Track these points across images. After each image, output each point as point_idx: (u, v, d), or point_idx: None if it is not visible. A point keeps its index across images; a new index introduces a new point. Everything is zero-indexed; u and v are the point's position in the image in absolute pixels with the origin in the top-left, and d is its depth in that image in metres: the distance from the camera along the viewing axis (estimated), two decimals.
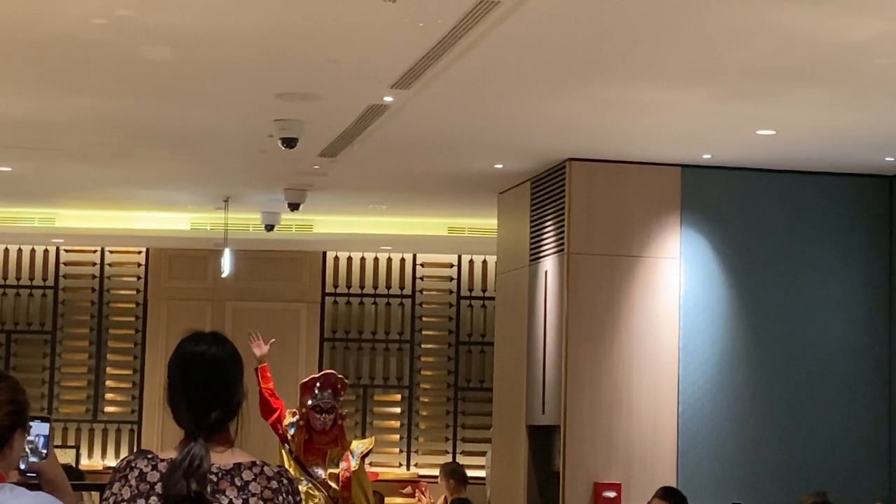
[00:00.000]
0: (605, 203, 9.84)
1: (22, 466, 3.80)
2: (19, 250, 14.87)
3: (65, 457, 12.97)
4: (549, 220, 10.20)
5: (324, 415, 8.87)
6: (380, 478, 14.39)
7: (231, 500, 3.61)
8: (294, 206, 11.67)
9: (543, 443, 10.31)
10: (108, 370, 14.91)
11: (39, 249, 14.87)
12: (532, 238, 10.54)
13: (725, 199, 9.97)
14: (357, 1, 6.21)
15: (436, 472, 12.75)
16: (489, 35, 6.64)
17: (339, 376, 9.30)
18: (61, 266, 14.95)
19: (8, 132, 9.38)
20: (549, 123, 8.86)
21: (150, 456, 3.73)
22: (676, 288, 9.81)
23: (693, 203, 9.91)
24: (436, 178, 11.12)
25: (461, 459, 14.24)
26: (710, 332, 9.83)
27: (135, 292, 14.99)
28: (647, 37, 6.83)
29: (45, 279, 14.92)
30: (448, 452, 14.76)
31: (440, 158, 10.22)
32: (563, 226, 9.88)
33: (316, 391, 8.92)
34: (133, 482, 3.65)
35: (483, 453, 14.03)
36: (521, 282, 10.71)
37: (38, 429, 3.92)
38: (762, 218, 9.98)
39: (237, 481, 3.66)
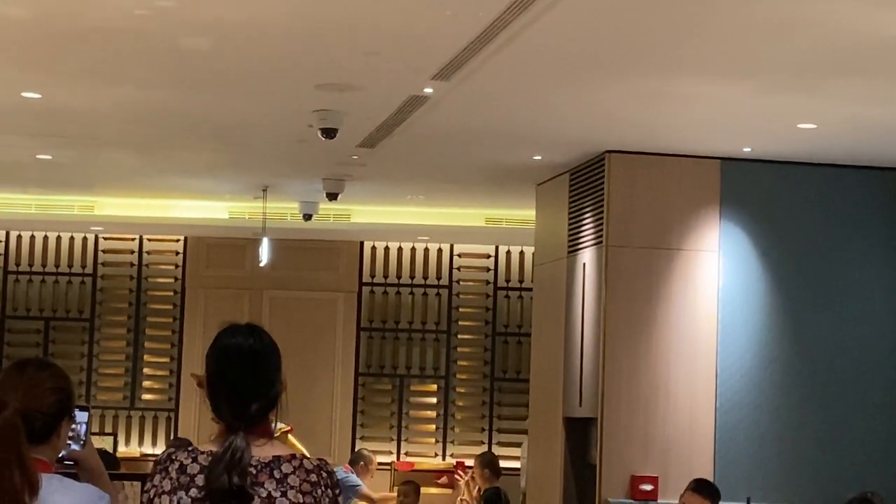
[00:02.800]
0: (643, 196, 9.80)
1: (60, 454, 3.82)
2: (58, 238, 14.95)
3: (102, 444, 13.03)
4: (588, 212, 10.18)
5: None
6: (415, 468, 14.44)
7: (270, 492, 3.63)
8: (332, 196, 11.69)
9: (580, 435, 10.29)
10: (146, 358, 14.98)
11: (78, 237, 14.94)
12: (570, 230, 10.52)
13: (765, 193, 9.92)
14: None
15: (471, 462, 12.78)
16: (531, 27, 6.62)
17: None
18: (100, 254, 15.02)
19: (49, 121, 9.43)
20: (588, 115, 8.83)
21: (190, 448, 3.75)
22: (715, 281, 9.78)
23: (732, 196, 9.86)
24: (474, 169, 11.11)
25: (496, 450, 14.24)
26: (748, 326, 9.79)
27: (172, 280, 15.05)
28: (688, 30, 6.80)
29: (83, 267, 14.99)
30: (483, 443, 14.77)
31: (479, 150, 10.21)
32: (601, 218, 9.86)
33: None
34: (174, 474, 3.67)
35: (518, 444, 14.04)
36: (559, 273, 10.69)
37: (79, 417, 3.94)
38: (802, 211, 9.93)
39: (276, 474, 3.67)
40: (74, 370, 14.77)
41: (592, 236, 10.05)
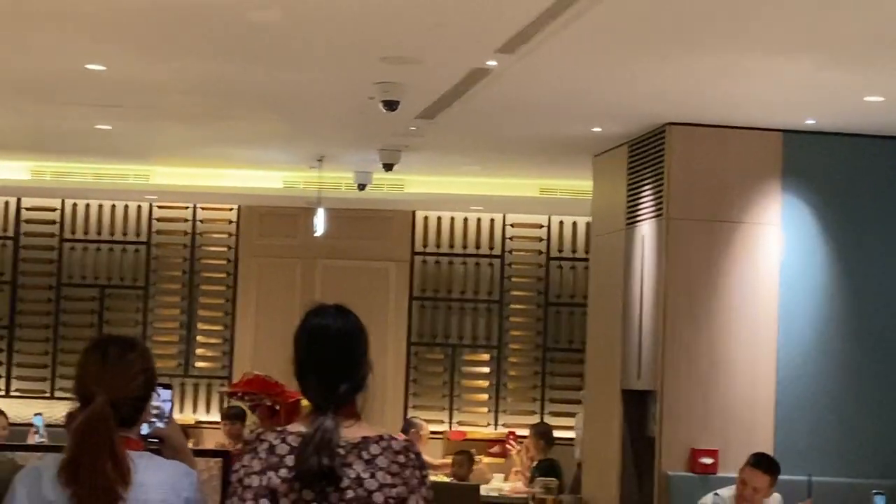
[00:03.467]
0: (704, 168, 9.75)
1: (144, 431, 3.82)
2: (112, 206, 15.00)
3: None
4: (647, 184, 10.14)
5: (254, 413, 8.86)
6: (468, 437, 14.46)
7: (358, 473, 3.64)
8: (388, 167, 11.68)
9: (638, 407, 10.28)
10: (200, 326, 15.03)
11: (133, 206, 14.99)
12: (629, 202, 10.48)
13: (828, 165, 9.84)
14: None
15: (522, 431, 12.79)
16: (598, 2, 6.58)
17: (227, 390, 9.31)
18: (154, 222, 15.07)
19: (111, 92, 9.46)
20: (650, 88, 8.79)
21: (278, 429, 3.77)
22: (776, 255, 9.73)
23: (794, 169, 9.80)
24: (530, 140, 11.08)
25: (548, 420, 14.25)
26: (809, 300, 9.74)
27: (226, 249, 15.09)
28: (754, 4, 6.74)
29: (138, 235, 15.05)
30: (536, 413, 14.76)
31: (538, 121, 10.18)
32: (661, 190, 9.82)
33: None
34: (263, 454, 3.68)
35: (570, 414, 14.04)
36: (617, 245, 10.66)
37: (163, 394, 3.95)
38: (865, 185, 9.85)
39: (364, 455, 3.68)
40: None
41: (652, 208, 10.01)
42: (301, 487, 3.60)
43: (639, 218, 10.26)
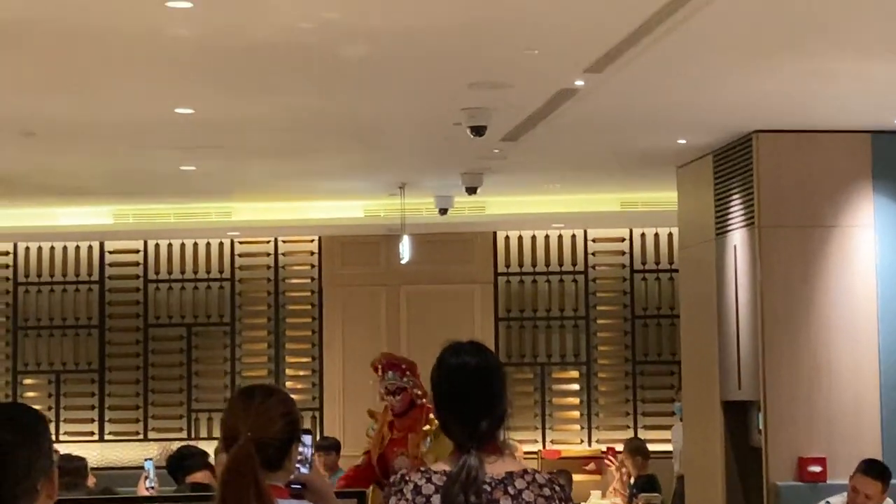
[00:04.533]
0: (793, 174, 9.69)
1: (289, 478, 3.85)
2: (195, 244, 15.12)
3: None
4: (736, 193, 10.08)
5: (390, 396, 8.80)
6: (562, 455, 14.43)
7: None
8: (472, 190, 11.69)
9: (739, 418, 10.21)
10: (287, 359, 15.11)
11: (215, 242, 15.10)
12: (717, 211, 10.42)
13: None
14: None
15: (620, 447, 12.72)
16: (691, 17, 6.56)
17: (399, 356, 9.26)
18: (236, 258, 15.17)
19: (197, 133, 9.53)
20: (736, 97, 8.74)
21: (422, 469, 3.79)
22: (871, 256, 9.64)
23: (884, 169, 9.71)
24: (613, 156, 11.05)
25: (643, 434, 14.19)
26: None
27: (309, 280, 15.15)
28: (841, 8, 6.69)
29: (221, 272, 15.15)
30: (629, 427, 14.71)
31: (622, 137, 10.16)
32: (751, 199, 9.76)
33: (379, 374, 8.89)
34: (409, 495, 3.70)
35: (664, 427, 13.97)
36: (707, 256, 10.60)
37: (305, 439, 3.98)
38: None
39: (510, 490, 3.69)
40: (218, 374, 14.96)
41: (742, 217, 9.95)
42: None
43: (729, 227, 10.20)
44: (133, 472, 11.32)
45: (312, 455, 4.07)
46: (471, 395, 3.81)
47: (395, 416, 8.79)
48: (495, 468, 3.73)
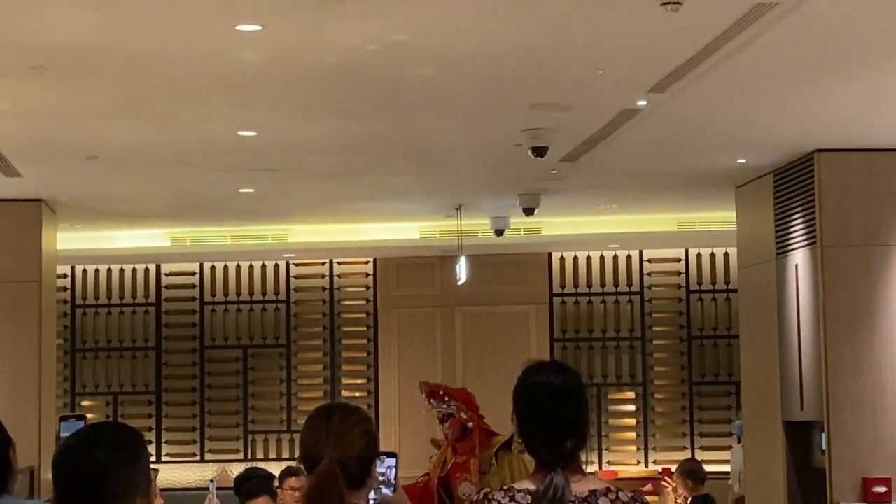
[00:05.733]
0: (856, 193, 9.64)
1: (372, 498, 3.85)
2: (251, 266, 15.18)
3: None
4: (797, 212, 10.03)
5: (442, 425, 8.85)
6: (619, 476, 14.37)
7: None
8: (529, 211, 11.67)
9: (801, 438, 10.14)
10: (343, 380, 15.14)
11: (270, 265, 15.16)
12: (777, 231, 10.38)
13: None
14: (623, 11, 6.15)
15: (673, 468, 12.66)
16: (755, 38, 6.54)
17: (434, 383, 9.30)
18: (292, 280, 15.22)
19: (258, 157, 9.58)
20: (797, 116, 8.71)
21: (505, 488, 3.78)
22: None
23: None
24: (671, 176, 11.01)
25: (700, 455, 14.13)
26: None
27: (364, 302, 15.18)
28: None
29: (276, 294, 15.20)
30: (686, 448, 14.65)
31: (681, 157, 10.12)
32: (813, 218, 9.71)
33: (426, 403, 8.95)
34: None
35: (722, 448, 13.89)
36: (768, 276, 10.55)
37: (388, 461, 3.99)
38: None
39: None
40: (274, 396, 15.00)
41: (804, 237, 9.90)
42: None
43: (790, 247, 10.15)
44: (195, 494, 11.38)
45: (397, 476, 4.09)
46: (556, 414, 3.80)
47: (454, 442, 8.82)
48: (579, 487, 3.72)
